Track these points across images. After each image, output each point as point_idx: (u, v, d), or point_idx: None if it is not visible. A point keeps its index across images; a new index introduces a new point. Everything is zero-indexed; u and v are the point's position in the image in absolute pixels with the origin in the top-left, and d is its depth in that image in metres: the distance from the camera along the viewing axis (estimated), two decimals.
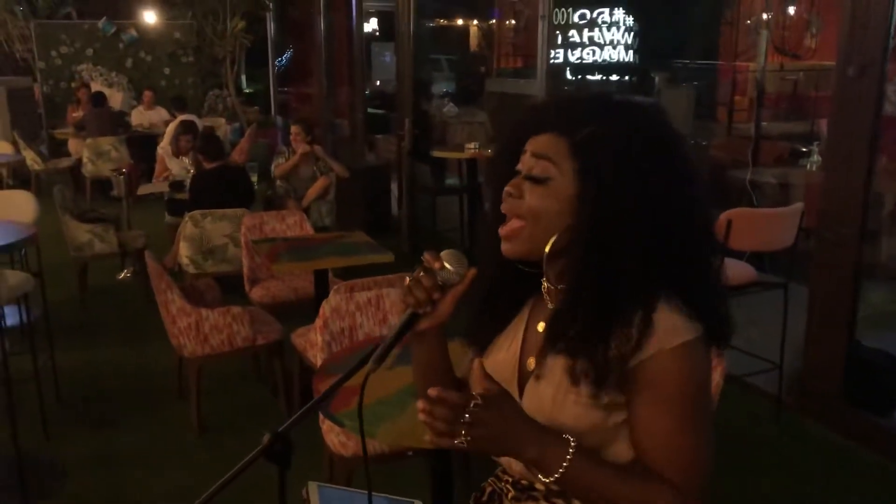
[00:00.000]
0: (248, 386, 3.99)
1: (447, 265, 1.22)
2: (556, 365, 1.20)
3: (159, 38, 11.32)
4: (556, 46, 7.44)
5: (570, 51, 7.68)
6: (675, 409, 1.14)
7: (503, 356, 1.33)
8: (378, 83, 12.85)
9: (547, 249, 1.19)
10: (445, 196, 5.63)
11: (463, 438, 1.07)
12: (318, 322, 2.80)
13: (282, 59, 13.21)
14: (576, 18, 7.67)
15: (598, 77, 7.92)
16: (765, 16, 7.95)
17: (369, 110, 9.05)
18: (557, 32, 7.49)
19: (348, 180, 5.82)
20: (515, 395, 1.26)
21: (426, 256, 1.23)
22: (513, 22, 9.71)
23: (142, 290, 5.14)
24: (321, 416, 2.58)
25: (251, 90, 13.97)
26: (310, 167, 5.67)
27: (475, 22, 13.50)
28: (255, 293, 4.10)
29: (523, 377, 1.28)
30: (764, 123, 5.88)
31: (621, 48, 7.94)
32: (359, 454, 2.57)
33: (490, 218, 1.29)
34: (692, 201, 1.18)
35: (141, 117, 10.12)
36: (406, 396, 2.16)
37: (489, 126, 6.90)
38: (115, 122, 9.41)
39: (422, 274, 1.22)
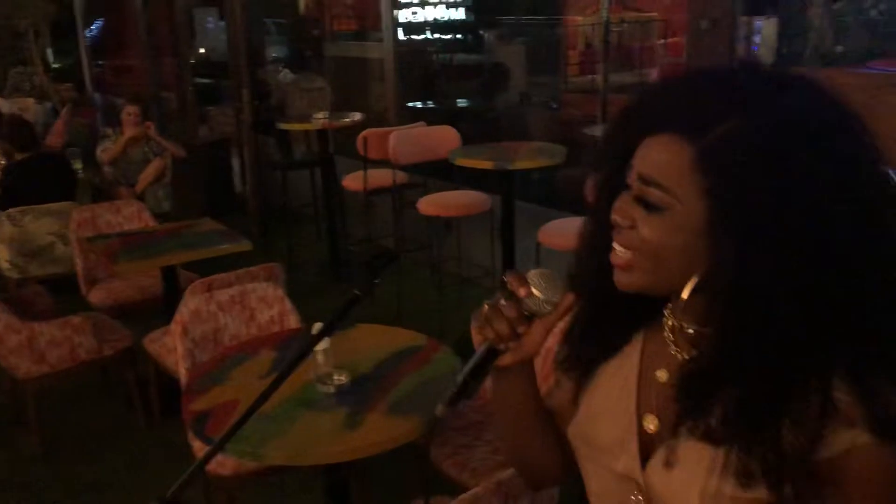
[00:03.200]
0: (99, 403, 3.56)
1: (536, 292, 0.96)
2: (696, 451, 0.88)
3: None
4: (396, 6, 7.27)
5: (401, 11, 7.54)
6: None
7: (612, 405, 1.01)
8: (202, 51, 12.08)
9: (685, 296, 0.88)
10: (295, 170, 5.31)
11: None
12: (176, 328, 2.50)
13: (92, 30, 12.10)
14: None
15: (428, 35, 7.80)
16: None
17: (197, 80, 8.47)
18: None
19: (184, 159, 5.37)
20: (633, 463, 0.96)
21: (510, 279, 0.97)
22: None
23: None
24: (191, 435, 2.32)
25: (59, 65, 12.74)
26: (140, 149, 5.17)
27: None
28: (95, 296, 3.66)
29: (645, 443, 0.96)
30: (597, 77, 5.96)
31: (453, 7, 7.84)
32: (239, 473, 2.33)
33: (593, 234, 1.00)
34: (881, 226, 0.84)
35: None
36: (294, 407, 1.95)
37: (330, 92, 6.60)
38: None
39: (503, 302, 0.96)
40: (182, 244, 3.28)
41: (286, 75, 8.42)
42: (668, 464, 0.92)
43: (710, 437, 0.87)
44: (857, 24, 7.36)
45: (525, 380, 1.05)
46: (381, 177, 4.25)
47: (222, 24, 9.72)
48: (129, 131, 5.07)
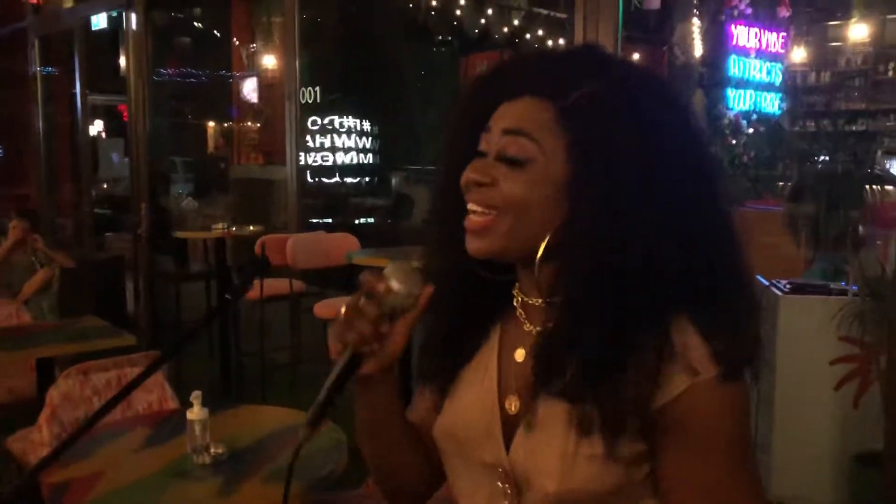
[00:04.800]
0: None
1: (395, 286, 0.93)
2: (553, 411, 0.89)
3: None
4: (303, 149, 7.51)
5: (311, 154, 7.81)
6: (718, 455, 0.87)
7: (474, 396, 0.99)
8: (105, 186, 11.98)
9: (540, 253, 0.90)
10: (190, 283, 5.20)
11: None
12: (45, 412, 2.34)
13: None
14: (316, 124, 7.84)
15: (337, 179, 8.09)
16: None
17: (97, 210, 8.38)
18: (308, 137, 7.57)
19: (76, 274, 5.19)
20: (499, 449, 0.95)
21: (366, 278, 0.93)
22: (249, 124, 9.59)
23: None
24: None
25: None
26: (28, 257, 4.98)
27: (211, 123, 13.16)
28: None
29: (509, 426, 0.96)
30: None
31: (363, 153, 8.25)
32: None
33: (444, 214, 1.00)
34: (713, 184, 0.91)
35: None
36: (165, 478, 1.82)
37: (232, 207, 6.64)
38: None
39: (363, 301, 0.92)
40: (61, 338, 3.13)
41: (190, 202, 8.40)
42: (530, 426, 0.92)
43: (565, 396, 0.89)
44: (731, 167, 8.02)
45: (390, 388, 1.01)
46: (278, 285, 4.21)
47: (126, 160, 9.76)
48: (14, 235, 4.90)
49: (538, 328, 0.96)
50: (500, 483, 0.95)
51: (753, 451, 0.93)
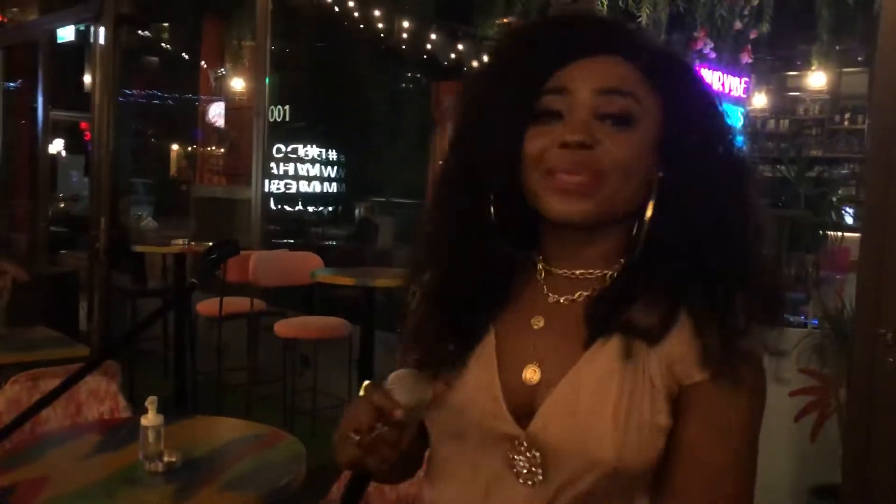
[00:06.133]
0: None
1: (408, 403, 0.85)
2: (599, 373, 0.87)
3: None
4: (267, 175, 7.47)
5: (274, 182, 7.78)
6: (734, 443, 0.87)
7: (472, 379, 0.92)
8: (62, 205, 11.75)
9: (649, 213, 0.86)
10: (147, 299, 5.07)
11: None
12: None
13: None
14: (280, 152, 7.81)
15: (300, 208, 8.08)
16: None
17: (53, 228, 8.19)
18: (272, 164, 7.53)
19: (28, 290, 5.04)
20: (507, 424, 0.89)
21: (381, 403, 0.84)
22: (213, 149, 9.50)
23: None
24: None
25: None
26: None
27: (175, 146, 13.02)
28: None
29: (521, 396, 0.90)
30: None
31: (327, 182, 8.24)
32: None
33: (466, 190, 0.92)
34: (745, 164, 0.92)
35: None
36: (115, 484, 1.76)
37: (194, 228, 6.54)
38: None
39: (385, 429, 0.83)
40: (9, 346, 3.02)
41: (150, 223, 8.28)
42: (574, 391, 0.87)
43: (622, 325, 0.87)
44: None
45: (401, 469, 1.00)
46: (238, 303, 4.13)
47: (86, 179, 9.57)
48: None
49: (564, 298, 0.93)
50: (515, 457, 0.89)
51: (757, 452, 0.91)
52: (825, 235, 3.68)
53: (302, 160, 8.12)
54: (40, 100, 7.15)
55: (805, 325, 3.08)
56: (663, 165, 0.87)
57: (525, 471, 0.88)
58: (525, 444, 0.88)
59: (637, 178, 0.86)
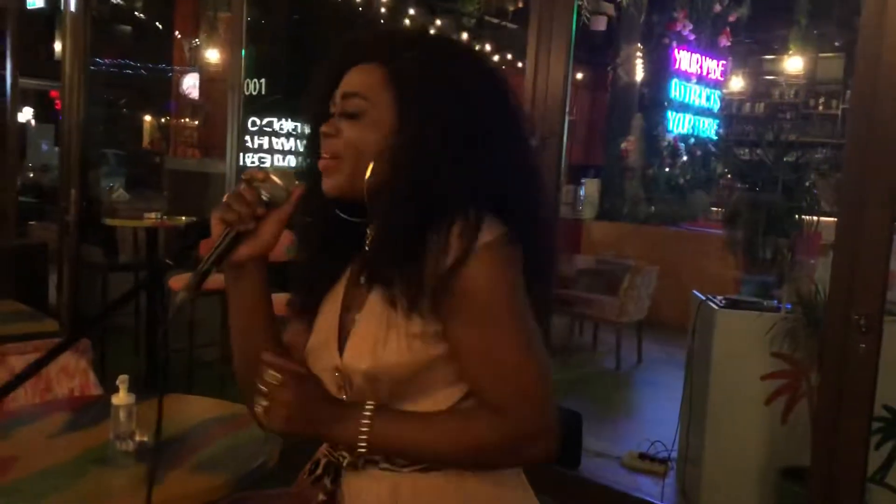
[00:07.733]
0: None
1: (273, 178, 1.13)
2: (374, 301, 1.13)
3: None
4: (242, 149, 7.34)
5: (249, 155, 7.66)
6: (490, 320, 1.05)
7: (324, 317, 1.23)
8: (32, 175, 11.53)
9: (367, 175, 1.11)
10: (118, 273, 4.99)
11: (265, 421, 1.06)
12: None
13: None
14: (255, 125, 7.71)
15: None
16: None
17: (22, 199, 8.03)
18: (247, 138, 7.42)
19: None
20: (334, 352, 1.17)
21: (250, 171, 1.14)
22: (187, 121, 9.35)
23: None
24: None
25: None
26: None
27: (148, 118, 12.81)
28: None
29: (344, 333, 1.18)
30: None
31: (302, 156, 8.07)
32: None
33: (310, 169, 1.21)
34: (510, 128, 1.15)
35: None
36: (84, 464, 1.72)
37: (167, 200, 6.43)
38: None
39: (244, 187, 1.13)
40: None
41: (122, 195, 8.15)
42: (356, 321, 1.15)
43: (381, 280, 1.10)
44: (667, 190, 8.18)
45: (259, 277, 1.20)
46: (212, 280, 4.07)
47: (56, 149, 9.40)
48: None
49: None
50: (337, 385, 1.17)
51: (536, 328, 1.09)
52: (801, 220, 3.70)
53: (277, 134, 8.01)
54: (9, 67, 6.96)
55: (778, 310, 3.10)
56: (399, 139, 1.10)
57: (343, 389, 1.17)
58: (339, 371, 1.16)
59: (370, 155, 1.11)
